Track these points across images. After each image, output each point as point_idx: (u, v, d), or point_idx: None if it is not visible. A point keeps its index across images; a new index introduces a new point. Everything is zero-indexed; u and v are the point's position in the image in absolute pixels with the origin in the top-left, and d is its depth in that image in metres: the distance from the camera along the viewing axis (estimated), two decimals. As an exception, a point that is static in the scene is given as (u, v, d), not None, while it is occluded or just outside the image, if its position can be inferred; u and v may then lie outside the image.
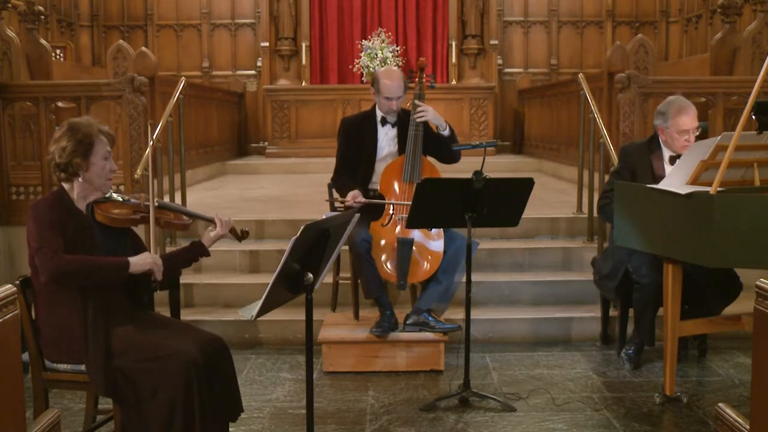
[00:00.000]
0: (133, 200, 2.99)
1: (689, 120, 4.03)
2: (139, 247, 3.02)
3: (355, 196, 4.20)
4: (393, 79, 4.32)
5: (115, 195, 2.96)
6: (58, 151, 2.82)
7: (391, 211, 4.25)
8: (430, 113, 4.27)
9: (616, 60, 6.84)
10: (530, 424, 3.48)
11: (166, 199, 5.48)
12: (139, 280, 2.92)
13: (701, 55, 9.12)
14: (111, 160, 2.92)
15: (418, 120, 4.26)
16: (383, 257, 4.18)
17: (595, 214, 5.15)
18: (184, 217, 3.08)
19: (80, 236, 2.80)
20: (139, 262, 2.83)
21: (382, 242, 4.19)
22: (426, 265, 4.17)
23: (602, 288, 4.46)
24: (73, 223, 2.81)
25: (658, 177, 4.08)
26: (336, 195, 4.45)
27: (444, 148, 4.34)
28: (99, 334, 2.74)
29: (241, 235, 3.17)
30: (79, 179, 2.85)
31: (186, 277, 4.74)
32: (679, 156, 4.07)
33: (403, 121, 4.38)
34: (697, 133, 4.10)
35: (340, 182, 4.40)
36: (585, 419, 3.53)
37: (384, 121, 4.40)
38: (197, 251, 3.08)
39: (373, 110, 4.47)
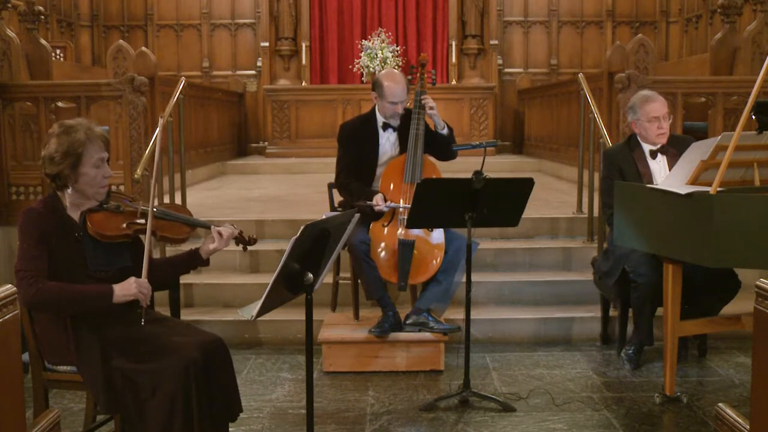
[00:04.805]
0: (130, 206, 2.85)
1: (657, 106, 4.12)
2: (139, 254, 2.87)
3: (382, 198, 4.15)
4: (397, 82, 4.28)
5: (112, 202, 2.82)
6: (47, 161, 2.72)
7: (392, 212, 4.25)
8: (435, 108, 4.26)
9: (616, 60, 6.84)
10: (530, 424, 3.48)
11: (167, 200, 5.48)
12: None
13: (701, 55, 9.12)
14: (105, 165, 2.77)
15: (430, 112, 4.24)
16: (384, 258, 4.18)
17: (596, 213, 5.17)
18: (183, 230, 2.91)
19: (71, 249, 2.74)
20: (122, 292, 2.67)
21: (383, 243, 4.19)
22: (427, 267, 4.17)
23: (602, 288, 4.46)
24: (64, 234, 2.72)
25: (644, 174, 4.13)
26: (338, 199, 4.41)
27: (441, 146, 4.34)
28: (93, 337, 2.72)
29: (248, 241, 3.02)
30: (69, 190, 2.76)
31: (186, 277, 4.71)
32: (659, 149, 4.13)
33: (403, 123, 4.36)
34: (670, 121, 4.19)
35: (357, 188, 4.29)
36: (585, 419, 3.53)
37: (386, 126, 4.38)
38: (194, 261, 2.98)
39: (372, 113, 4.43)
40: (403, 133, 4.35)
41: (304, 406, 2.79)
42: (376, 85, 4.35)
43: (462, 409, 3.65)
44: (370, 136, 4.38)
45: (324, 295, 4.66)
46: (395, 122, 4.36)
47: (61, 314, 2.72)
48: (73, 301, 2.67)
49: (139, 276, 2.76)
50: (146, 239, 2.76)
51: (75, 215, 2.79)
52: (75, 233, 2.77)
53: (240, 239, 3.01)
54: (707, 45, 9.24)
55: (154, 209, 2.80)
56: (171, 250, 4.88)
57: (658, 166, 4.16)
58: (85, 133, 2.74)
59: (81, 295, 2.68)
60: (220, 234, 2.91)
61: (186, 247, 3.33)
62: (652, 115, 4.10)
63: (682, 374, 4.06)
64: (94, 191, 2.78)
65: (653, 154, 4.17)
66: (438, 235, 4.22)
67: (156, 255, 4.16)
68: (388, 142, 4.40)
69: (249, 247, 3.08)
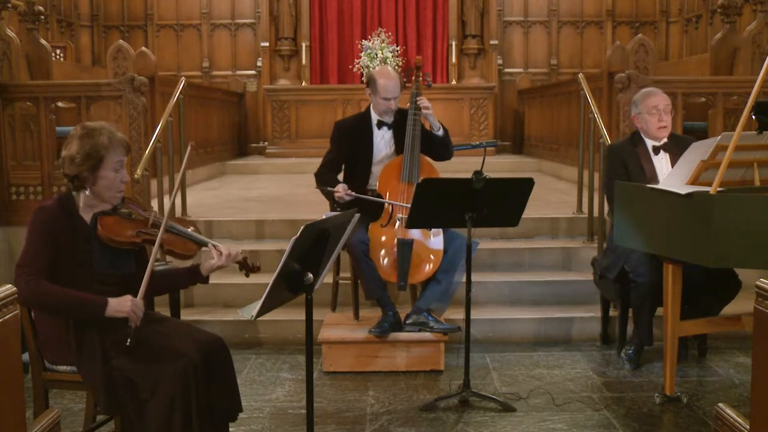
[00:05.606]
0: (141, 215, 2.86)
1: (658, 99, 4.17)
2: (144, 262, 2.87)
3: (345, 188, 4.18)
4: (390, 78, 4.31)
5: (124, 209, 2.83)
6: (67, 161, 2.73)
7: (390, 212, 4.25)
8: (431, 108, 4.27)
9: (616, 60, 6.84)
10: (530, 424, 3.48)
11: (166, 200, 5.48)
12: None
13: (701, 55, 9.12)
14: (123, 170, 2.80)
15: (425, 112, 4.25)
16: (383, 258, 4.18)
17: (596, 213, 5.17)
18: (191, 247, 2.89)
19: (78, 249, 2.74)
20: (117, 307, 2.67)
21: (382, 243, 4.19)
22: (426, 266, 4.17)
23: (602, 287, 4.47)
24: (73, 233, 2.73)
25: (648, 170, 4.14)
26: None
27: (437, 146, 4.35)
28: (94, 337, 2.72)
29: (251, 268, 2.98)
30: (86, 192, 2.77)
31: (186, 277, 4.75)
32: (662, 146, 4.14)
33: (398, 122, 4.37)
34: (672, 114, 4.23)
35: (326, 176, 4.34)
36: (585, 419, 3.53)
37: (380, 124, 4.39)
38: (194, 277, 2.96)
39: (368, 112, 4.46)
40: (398, 131, 4.36)
41: (304, 406, 2.79)
42: (369, 82, 4.38)
43: (462, 409, 3.65)
44: (364, 134, 4.40)
45: (324, 295, 4.66)
46: (389, 119, 4.38)
47: (55, 316, 2.73)
48: (68, 305, 2.67)
49: (139, 285, 2.74)
50: (152, 255, 2.75)
51: (87, 216, 2.80)
52: (84, 235, 2.77)
53: (243, 265, 2.97)
54: (707, 45, 9.25)
55: (166, 224, 2.79)
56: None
57: (661, 163, 4.17)
58: (107, 137, 2.75)
59: (76, 300, 2.67)
60: (220, 252, 2.88)
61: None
62: (652, 105, 4.13)
63: (682, 374, 4.06)
64: (111, 195, 2.79)
65: (656, 150, 4.18)
66: (436, 235, 4.21)
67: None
68: (383, 140, 4.40)
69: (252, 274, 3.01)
